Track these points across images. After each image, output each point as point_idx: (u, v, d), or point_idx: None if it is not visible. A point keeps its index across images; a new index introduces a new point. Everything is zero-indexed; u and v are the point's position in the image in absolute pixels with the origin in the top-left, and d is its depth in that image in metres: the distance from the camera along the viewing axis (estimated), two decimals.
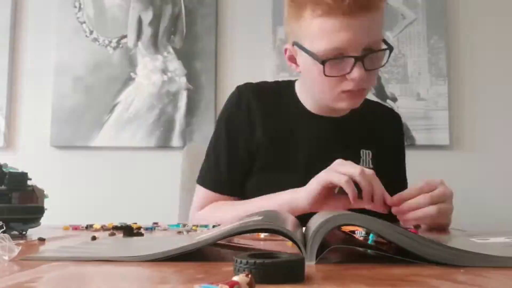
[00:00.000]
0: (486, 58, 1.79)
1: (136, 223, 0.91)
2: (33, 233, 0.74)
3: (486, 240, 0.60)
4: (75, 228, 0.88)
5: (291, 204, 0.87)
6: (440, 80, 1.76)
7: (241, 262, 0.35)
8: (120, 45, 1.90)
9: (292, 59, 1.01)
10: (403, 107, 1.76)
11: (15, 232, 0.73)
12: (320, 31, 0.90)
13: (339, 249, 0.48)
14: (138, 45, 1.89)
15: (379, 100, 1.76)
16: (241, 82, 1.79)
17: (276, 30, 1.83)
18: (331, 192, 0.84)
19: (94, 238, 0.64)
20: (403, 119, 1.75)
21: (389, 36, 1.79)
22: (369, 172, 0.80)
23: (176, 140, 1.83)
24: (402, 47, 1.79)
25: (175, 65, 1.87)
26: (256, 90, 1.10)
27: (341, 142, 1.04)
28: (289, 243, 0.58)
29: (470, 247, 0.47)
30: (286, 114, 1.07)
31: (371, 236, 0.55)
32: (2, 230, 0.57)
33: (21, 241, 0.62)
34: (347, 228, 0.63)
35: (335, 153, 0.90)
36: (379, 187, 0.79)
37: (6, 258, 0.44)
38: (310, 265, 0.43)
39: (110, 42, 1.90)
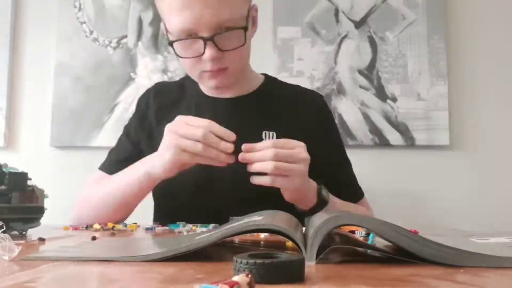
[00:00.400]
0: (486, 58, 1.79)
1: (135, 223, 0.91)
2: (33, 233, 0.74)
3: (487, 240, 0.60)
4: (75, 228, 0.88)
5: (150, 176, 0.88)
6: (440, 81, 1.76)
7: (241, 262, 0.35)
8: (120, 45, 1.90)
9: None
10: (403, 107, 1.76)
11: (15, 232, 0.73)
12: (169, 10, 0.90)
13: (339, 249, 0.48)
14: (138, 45, 1.89)
15: (375, 98, 1.76)
16: None
17: (276, 30, 1.83)
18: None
19: (94, 238, 0.64)
20: (403, 120, 1.76)
21: (389, 36, 1.79)
22: (213, 131, 0.77)
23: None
24: (402, 48, 1.79)
25: (175, 65, 1.87)
26: (158, 90, 1.14)
27: (238, 122, 0.95)
28: (289, 243, 0.58)
29: (470, 247, 0.47)
30: (187, 104, 1.07)
31: (371, 236, 0.55)
32: (2, 230, 0.57)
33: (21, 241, 0.62)
34: (346, 228, 0.63)
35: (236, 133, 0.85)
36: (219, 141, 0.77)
37: (6, 258, 0.44)
38: (310, 265, 0.43)
39: (110, 42, 1.90)
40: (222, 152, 0.78)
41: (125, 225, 0.89)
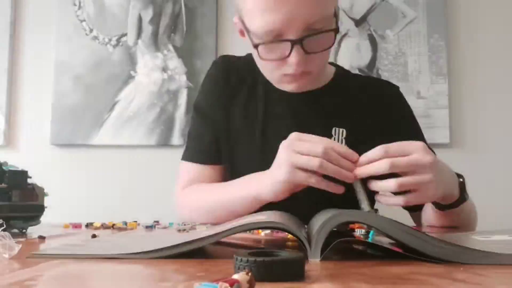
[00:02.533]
0: (486, 56, 1.79)
1: (136, 221, 0.91)
2: (33, 231, 0.74)
3: (489, 238, 0.60)
4: (75, 226, 0.88)
5: (259, 200, 0.80)
6: (440, 79, 1.76)
7: (241, 260, 0.35)
8: (120, 43, 1.89)
9: (242, 33, 0.90)
10: None
11: (15, 230, 0.73)
12: (254, 9, 0.81)
13: (340, 247, 0.48)
14: (138, 43, 1.89)
15: None
16: None
17: None
18: None
19: (94, 236, 0.64)
20: None
21: (389, 34, 1.79)
22: (333, 149, 0.68)
23: (176, 138, 1.83)
24: (403, 46, 1.79)
25: (175, 63, 1.87)
26: (233, 66, 1.04)
27: (308, 118, 0.94)
28: (289, 243, 0.58)
29: (471, 244, 0.47)
30: (257, 89, 1.00)
31: (371, 234, 0.55)
32: (2, 228, 0.57)
33: (21, 239, 0.62)
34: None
35: (302, 130, 0.79)
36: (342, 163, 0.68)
37: (7, 256, 0.44)
38: (310, 263, 0.43)
39: (110, 40, 1.90)
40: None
41: (125, 223, 0.89)
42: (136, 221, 0.92)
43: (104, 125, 1.86)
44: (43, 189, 0.78)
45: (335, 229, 0.46)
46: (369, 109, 0.98)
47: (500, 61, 1.78)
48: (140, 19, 1.90)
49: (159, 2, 1.90)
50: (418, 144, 0.69)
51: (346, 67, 1.80)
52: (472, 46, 1.80)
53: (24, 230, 0.74)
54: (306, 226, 0.56)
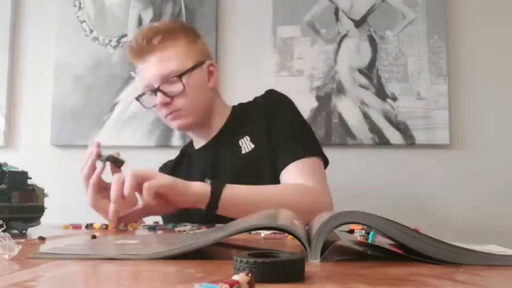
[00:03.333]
0: (486, 57, 1.79)
1: (136, 223, 0.91)
2: (33, 232, 0.74)
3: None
4: (75, 227, 0.88)
5: None
6: (440, 79, 1.76)
7: (241, 261, 0.35)
8: (120, 44, 1.90)
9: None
10: (403, 106, 1.76)
11: (15, 231, 0.73)
12: (139, 78, 1.18)
13: (339, 248, 0.48)
14: None
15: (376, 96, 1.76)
16: (241, 82, 1.81)
17: (276, 29, 1.83)
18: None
19: (94, 237, 0.64)
20: (403, 119, 1.76)
21: (389, 35, 1.79)
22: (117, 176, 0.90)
23: (176, 139, 1.83)
24: (402, 47, 1.79)
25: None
26: (167, 166, 1.32)
27: (223, 154, 1.17)
28: (289, 244, 0.58)
29: (471, 246, 0.47)
30: (182, 161, 1.30)
31: (371, 235, 0.55)
32: (2, 229, 0.57)
33: (21, 240, 0.62)
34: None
35: (224, 163, 1.15)
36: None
37: (7, 257, 0.44)
38: (311, 264, 0.43)
39: (110, 41, 1.90)
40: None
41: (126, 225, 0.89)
42: (135, 222, 0.92)
43: (104, 125, 1.86)
44: (43, 190, 0.78)
45: (335, 230, 0.46)
46: (255, 115, 1.18)
47: (500, 62, 1.78)
48: (140, 20, 1.90)
49: (159, 3, 1.90)
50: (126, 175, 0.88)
51: (346, 67, 1.81)
52: (472, 47, 1.80)
53: (24, 231, 0.74)
54: (306, 226, 0.56)
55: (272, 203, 0.87)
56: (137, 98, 1.17)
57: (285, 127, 1.14)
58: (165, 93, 1.10)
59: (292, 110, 1.20)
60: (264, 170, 1.10)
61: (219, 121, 1.22)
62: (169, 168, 1.28)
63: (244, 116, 1.21)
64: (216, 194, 0.90)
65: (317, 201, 1.01)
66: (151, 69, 1.11)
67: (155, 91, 1.11)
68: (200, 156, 1.23)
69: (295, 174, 1.06)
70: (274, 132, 1.14)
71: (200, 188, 0.90)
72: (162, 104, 1.11)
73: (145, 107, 1.18)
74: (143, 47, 1.11)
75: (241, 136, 1.16)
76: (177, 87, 1.10)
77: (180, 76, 1.10)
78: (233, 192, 0.93)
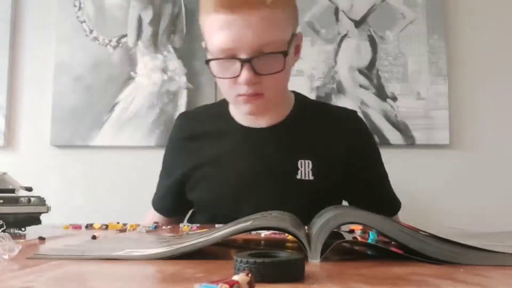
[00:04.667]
0: (486, 57, 1.79)
1: (138, 224, 0.91)
2: (33, 232, 0.74)
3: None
4: (75, 227, 0.88)
5: None
6: (440, 80, 1.76)
7: (241, 261, 0.35)
8: (120, 44, 1.90)
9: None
10: (403, 106, 1.76)
11: (15, 231, 0.73)
12: (210, 29, 0.86)
13: (339, 248, 0.48)
14: (138, 44, 1.89)
15: (373, 100, 1.76)
16: None
17: None
18: None
19: (94, 237, 0.64)
20: (403, 119, 1.76)
21: (389, 35, 1.79)
22: None
23: None
24: (402, 46, 1.79)
25: (175, 64, 1.87)
26: (192, 117, 1.11)
27: (274, 152, 0.97)
28: (289, 243, 0.58)
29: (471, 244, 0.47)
30: (220, 135, 1.03)
31: (371, 235, 0.55)
32: (2, 229, 0.57)
33: (21, 240, 0.62)
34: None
35: (269, 165, 0.93)
36: None
37: (6, 257, 0.44)
38: (311, 264, 0.43)
39: (110, 41, 1.90)
40: None
41: (126, 225, 0.89)
42: (137, 224, 0.92)
43: (104, 126, 1.86)
44: (44, 200, 0.77)
45: (335, 230, 0.46)
46: (330, 138, 1.00)
47: (500, 62, 1.78)
48: (140, 20, 1.90)
49: (159, 3, 1.90)
50: None
51: (346, 68, 1.81)
52: (472, 47, 1.80)
53: (23, 229, 0.73)
54: (306, 227, 0.56)
55: None
56: (208, 61, 0.88)
57: (381, 174, 1.07)
58: (255, 70, 0.84)
59: (380, 154, 1.09)
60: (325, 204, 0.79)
61: (282, 108, 1.02)
62: (199, 133, 1.06)
63: (314, 126, 1.02)
64: None
65: None
66: (246, 31, 0.81)
67: (243, 62, 0.83)
68: (244, 136, 1.01)
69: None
70: (366, 171, 1.02)
71: None
72: (247, 82, 0.85)
73: (213, 76, 0.89)
74: None
75: (303, 156, 0.96)
76: (275, 66, 0.85)
77: (285, 53, 0.85)
78: None
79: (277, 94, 0.92)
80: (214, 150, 1.02)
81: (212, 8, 0.84)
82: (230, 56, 0.85)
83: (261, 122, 1.00)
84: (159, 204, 1.15)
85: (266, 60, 0.84)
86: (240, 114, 1.01)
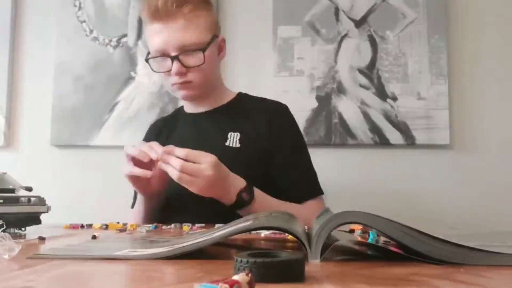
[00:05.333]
0: (486, 57, 1.79)
1: (136, 224, 0.91)
2: (33, 232, 0.74)
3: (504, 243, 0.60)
4: (75, 227, 0.88)
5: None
6: (441, 80, 1.76)
7: (241, 261, 0.35)
8: (121, 44, 1.90)
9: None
10: (403, 106, 1.76)
11: (16, 231, 0.73)
12: (148, 35, 1.14)
13: (339, 248, 0.48)
14: (138, 44, 1.89)
15: (377, 95, 1.76)
16: (242, 82, 1.81)
17: (277, 29, 1.83)
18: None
19: (94, 237, 0.64)
20: (403, 119, 1.76)
21: (390, 35, 1.79)
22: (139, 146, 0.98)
23: None
24: (403, 46, 1.79)
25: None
26: (155, 127, 1.36)
27: (211, 129, 1.21)
28: (290, 244, 0.58)
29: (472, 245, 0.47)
30: (175, 126, 1.29)
31: (371, 235, 0.55)
32: (2, 229, 0.57)
33: (21, 240, 0.62)
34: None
35: (206, 137, 1.18)
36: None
37: (6, 257, 0.44)
38: (311, 264, 0.43)
39: (110, 41, 1.90)
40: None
41: (126, 225, 0.89)
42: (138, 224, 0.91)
43: (104, 126, 1.86)
44: (44, 200, 0.77)
45: (336, 230, 0.46)
46: (254, 118, 1.21)
47: (500, 62, 1.78)
48: (140, 20, 1.90)
49: None
50: (210, 159, 0.92)
51: (346, 67, 1.81)
52: (473, 47, 1.80)
53: (23, 229, 0.74)
54: (306, 227, 0.56)
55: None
56: (147, 60, 1.14)
57: (296, 159, 1.19)
58: (182, 64, 1.10)
59: (303, 143, 1.24)
60: (251, 172, 1.07)
61: (220, 98, 1.26)
62: (158, 128, 1.32)
63: (246, 111, 1.23)
64: (241, 200, 0.98)
65: None
66: (172, 35, 1.09)
67: (172, 58, 1.10)
68: (189, 120, 1.26)
69: (313, 209, 1.10)
70: (281, 155, 1.17)
71: (238, 179, 0.99)
72: (177, 73, 1.11)
73: (153, 71, 1.15)
74: (170, 11, 1.09)
75: (233, 129, 1.18)
76: (197, 60, 1.11)
77: (203, 50, 1.11)
78: (264, 197, 1.03)
79: (203, 81, 1.15)
80: (172, 138, 1.26)
81: (148, 19, 1.12)
82: (163, 54, 1.11)
83: (202, 109, 1.25)
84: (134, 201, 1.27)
85: (190, 56, 1.11)
86: (187, 104, 1.29)
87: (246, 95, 1.32)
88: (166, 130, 1.31)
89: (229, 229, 0.47)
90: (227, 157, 1.05)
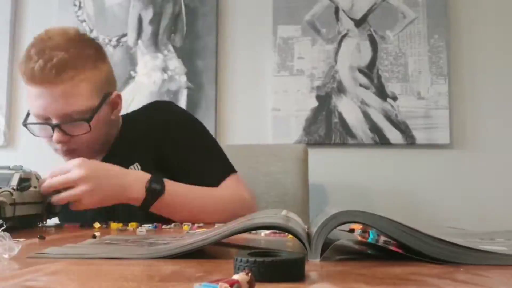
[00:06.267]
0: (486, 57, 1.79)
1: (137, 223, 0.91)
2: (33, 232, 0.74)
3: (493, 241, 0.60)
4: (75, 227, 0.88)
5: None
6: (441, 79, 1.76)
7: (241, 261, 0.35)
8: (121, 44, 1.89)
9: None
10: (403, 106, 1.76)
11: (15, 231, 0.72)
12: (28, 96, 1.00)
13: (339, 247, 0.48)
14: (138, 43, 1.89)
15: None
16: (242, 82, 1.80)
17: (277, 28, 1.83)
18: None
19: (94, 236, 0.64)
20: (403, 118, 1.76)
21: (390, 35, 1.79)
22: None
23: None
24: (403, 46, 1.79)
25: (175, 64, 1.87)
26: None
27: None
28: (289, 243, 0.58)
29: (472, 245, 0.47)
30: None
31: (371, 234, 0.55)
32: (3, 228, 0.57)
33: (21, 240, 0.62)
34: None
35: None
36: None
37: (6, 256, 0.44)
38: (311, 263, 0.43)
39: (110, 40, 1.90)
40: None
41: (126, 224, 0.89)
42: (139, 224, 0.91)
43: None
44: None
45: (336, 229, 0.46)
46: (147, 139, 1.12)
47: (500, 62, 1.78)
48: (140, 20, 1.90)
49: (159, 2, 1.90)
50: (74, 161, 0.86)
51: (346, 67, 1.81)
52: (472, 47, 1.80)
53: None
54: (306, 226, 0.56)
55: (212, 203, 0.98)
56: (25, 125, 1.03)
57: (197, 152, 1.11)
58: (65, 132, 0.99)
59: (197, 132, 1.15)
60: None
61: (111, 140, 1.14)
62: None
63: (133, 134, 1.14)
64: (153, 191, 0.91)
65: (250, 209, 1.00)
66: (52, 102, 0.96)
67: (53, 127, 0.98)
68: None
69: (232, 188, 1.07)
70: (179, 158, 1.09)
71: (137, 172, 0.94)
72: (58, 142, 1.00)
73: (34, 135, 1.04)
74: (48, 77, 0.94)
75: (131, 163, 1.08)
76: (81, 129, 0.99)
77: (89, 120, 0.99)
78: (174, 184, 0.95)
79: (90, 147, 1.05)
80: None
81: (26, 81, 0.98)
82: (44, 120, 0.99)
83: (98, 157, 1.11)
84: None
85: (73, 124, 0.99)
86: None
87: (126, 116, 1.21)
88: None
89: (229, 229, 0.47)
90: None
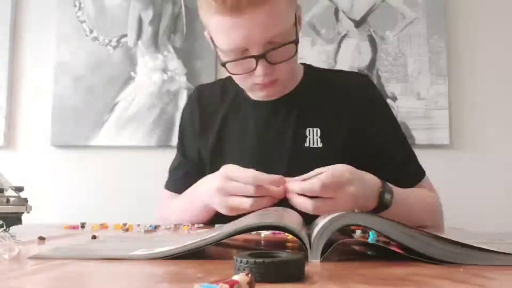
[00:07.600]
0: (486, 57, 1.79)
1: (139, 224, 0.91)
2: (33, 232, 0.74)
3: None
4: (75, 227, 0.88)
5: (208, 208, 0.86)
6: (440, 79, 1.76)
7: (241, 261, 0.35)
8: (120, 44, 1.90)
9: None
10: (403, 106, 1.76)
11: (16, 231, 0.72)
12: (217, 30, 0.87)
13: (340, 248, 0.48)
14: (138, 44, 1.89)
15: None
16: None
17: None
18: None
19: (94, 237, 0.64)
20: (403, 119, 1.76)
21: (389, 35, 1.79)
22: (262, 181, 0.72)
23: (176, 140, 1.83)
24: (402, 47, 1.79)
25: (175, 64, 1.87)
26: (199, 95, 1.12)
27: (282, 123, 1.00)
28: (290, 244, 0.58)
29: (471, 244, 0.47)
30: (230, 109, 1.06)
31: (371, 235, 0.55)
32: (3, 229, 0.57)
33: (21, 240, 0.62)
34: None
35: (278, 137, 0.97)
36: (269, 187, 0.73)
37: (6, 257, 0.44)
38: (311, 264, 0.43)
39: (110, 41, 1.90)
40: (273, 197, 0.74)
41: (126, 225, 0.89)
42: (139, 224, 0.91)
43: (104, 126, 1.86)
44: (25, 200, 0.76)
45: (337, 231, 0.46)
46: (339, 104, 1.01)
47: (499, 62, 1.78)
48: (140, 20, 1.90)
49: (159, 3, 1.90)
50: (342, 168, 0.73)
51: (346, 67, 1.80)
52: (472, 47, 1.80)
53: (7, 229, 0.72)
54: (307, 226, 0.56)
55: (426, 212, 0.94)
56: (223, 64, 0.89)
57: (392, 141, 1.01)
58: (270, 62, 0.86)
59: (397, 123, 1.05)
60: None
61: (289, 84, 1.02)
62: (210, 108, 1.07)
63: (321, 94, 1.02)
64: (385, 204, 0.78)
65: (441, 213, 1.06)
66: (254, 28, 0.82)
67: (258, 58, 0.85)
68: (256, 109, 1.02)
69: (433, 195, 1.04)
70: (376, 141, 0.98)
71: (367, 175, 0.78)
72: (264, 74, 0.87)
73: (231, 73, 0.92)
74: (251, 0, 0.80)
75: (311, 124, 0.97)
76: (286, 53, 0.87)
77: (296, 41, 0.87)
78: (398, 191, 0.81)
79: (290, 75, 0.96)
80: (227, 127, 1.05)
81: (216, 11, 0.83)
82: (242, 52, 0.86)
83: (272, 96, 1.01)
84: (177, 184, 1.08)
85: (278, 51, 0.86)
86: (256, 97, 1.03)
87: (314, 70, 1.11)
88: (221, 109, 1.06)
89: (229, 229, 0.47)
90: (309, 159, 0.90)
